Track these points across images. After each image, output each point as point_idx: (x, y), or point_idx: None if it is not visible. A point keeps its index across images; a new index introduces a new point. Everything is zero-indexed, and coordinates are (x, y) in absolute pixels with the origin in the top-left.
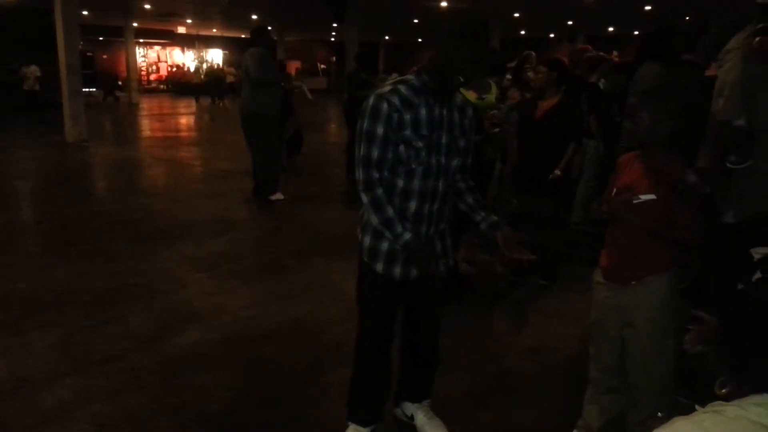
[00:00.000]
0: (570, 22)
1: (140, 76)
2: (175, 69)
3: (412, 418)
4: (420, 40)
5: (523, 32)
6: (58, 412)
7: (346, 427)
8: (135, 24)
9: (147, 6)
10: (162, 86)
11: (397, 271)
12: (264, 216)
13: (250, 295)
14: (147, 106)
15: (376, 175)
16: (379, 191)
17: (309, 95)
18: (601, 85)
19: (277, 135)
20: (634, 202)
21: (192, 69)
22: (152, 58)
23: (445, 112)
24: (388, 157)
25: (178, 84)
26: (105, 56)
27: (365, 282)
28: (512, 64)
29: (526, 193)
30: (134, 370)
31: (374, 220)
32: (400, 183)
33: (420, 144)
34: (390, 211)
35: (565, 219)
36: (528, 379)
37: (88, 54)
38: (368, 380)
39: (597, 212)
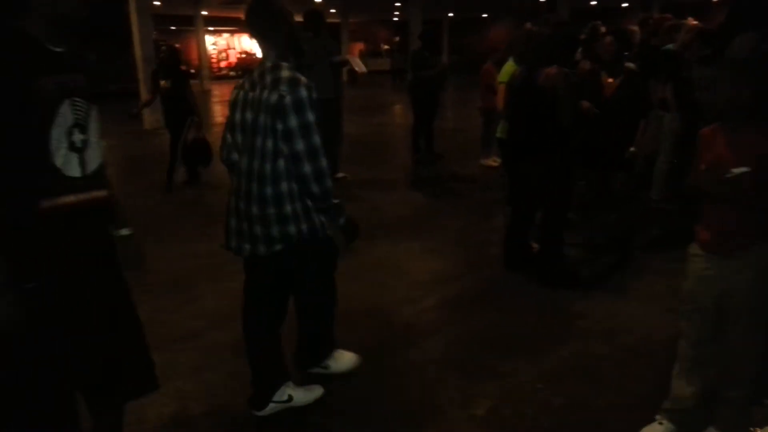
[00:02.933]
0: None
1: (211, 63)
2: (244, 55)
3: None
4: (484, 15)
5: (594, 2)
6: None
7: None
8: (204, 12)
9: None
10: (231, 73)
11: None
12: None
13: None
14: (219, 92)
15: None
16: None
17: (358, 67)
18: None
19: (331, 120)
20: (727, 176)
21: None
22: (222, 45)
23: None
24: None
25: (248, 71)
26: (177, 45)
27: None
28: (583, 36)
29: (595, 171)
30: (212, 348)
31: (331, 199)
32: None
33: None
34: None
35: (641, 196)
36: (603, 362)
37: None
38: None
39: (688, 190)
